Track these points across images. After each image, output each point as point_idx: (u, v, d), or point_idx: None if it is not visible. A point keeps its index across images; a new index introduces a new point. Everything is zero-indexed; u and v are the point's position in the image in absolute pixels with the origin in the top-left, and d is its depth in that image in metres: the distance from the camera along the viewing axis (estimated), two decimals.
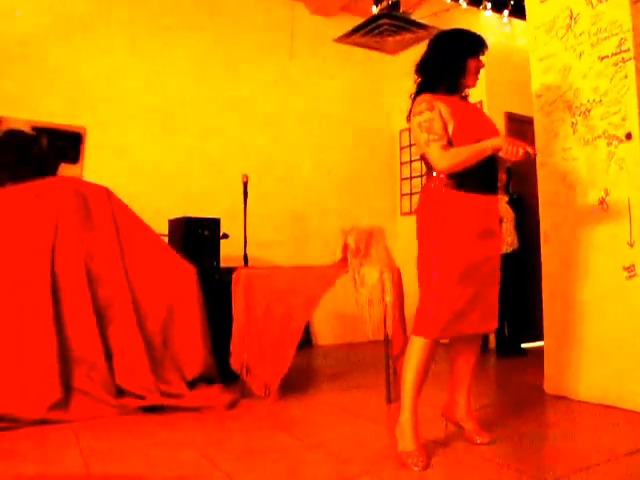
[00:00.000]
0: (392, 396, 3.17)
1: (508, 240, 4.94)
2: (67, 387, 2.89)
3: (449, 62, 2.33)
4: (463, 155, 2.20)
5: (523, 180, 5.27)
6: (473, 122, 2.34)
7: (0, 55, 4.64)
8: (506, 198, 5.06)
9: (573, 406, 3.08)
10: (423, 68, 2.41)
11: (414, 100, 2.35)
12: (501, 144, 2.18)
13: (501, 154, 2.20)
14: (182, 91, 5.38)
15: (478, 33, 2.40)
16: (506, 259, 4.83)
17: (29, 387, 2.77)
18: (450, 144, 2.23)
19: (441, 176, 2.27)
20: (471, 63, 2.35)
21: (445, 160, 2.21)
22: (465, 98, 2.48)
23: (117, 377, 3.03)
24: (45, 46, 4.84)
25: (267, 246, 5.24)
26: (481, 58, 2.40)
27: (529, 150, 2.15)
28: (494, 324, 2.44)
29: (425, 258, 2.31)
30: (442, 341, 2.29)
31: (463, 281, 2.22)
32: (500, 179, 4.96)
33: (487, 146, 2.20)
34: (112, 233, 3.26)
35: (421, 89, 2.38)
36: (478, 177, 2.26)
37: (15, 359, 2.82)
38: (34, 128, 4.78)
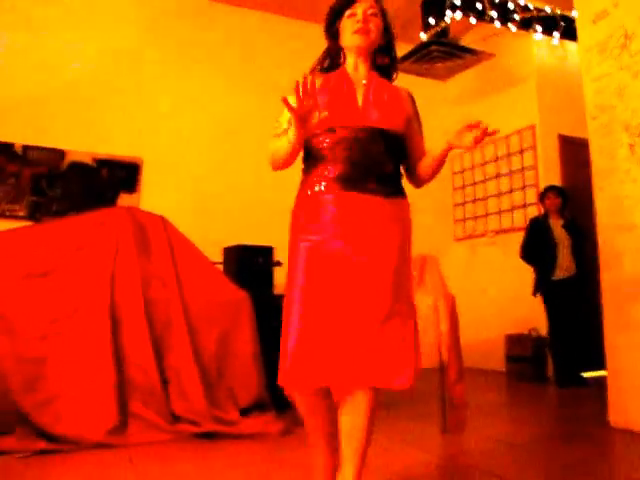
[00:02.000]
0: (447, 426, 3.10)
1: (565, 265, 4.82)
2: (124, 412, 2.95)
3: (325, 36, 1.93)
4: (277, 146, 1.81)
5: (579, 203, 5.14)
6: (324, 107, 1.69)
7: (62, 94, 4.94)
8: (561, 222, 4.94)
9: None
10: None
11: None
12: None
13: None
14: (237, 122, 5.52)
15: None
16: (564, 285, 4.78)
17: (89, 411, 2.85)
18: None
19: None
20: (342, 25, 1.86)
21: (269, 151, 1.86)
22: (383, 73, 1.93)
23: (172, 403, 3.08)
24: (103, 84, 5.12)
25: None
26: (362, 12, 1.82)
27: None
28: (399, 379, 1.68)
29: (288, 274, 1.80)
30: None
31: (317, 305, 1.66)
32: (554, 202, 4.91)
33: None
34: (168, 261, 3.35)
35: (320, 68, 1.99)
36: (337, 173, 1.76)
37: (77, 383, 2.91)
38: (95, 160, 5.01)
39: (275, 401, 3.38)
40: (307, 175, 1.84)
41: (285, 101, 1.55)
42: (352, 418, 1.73)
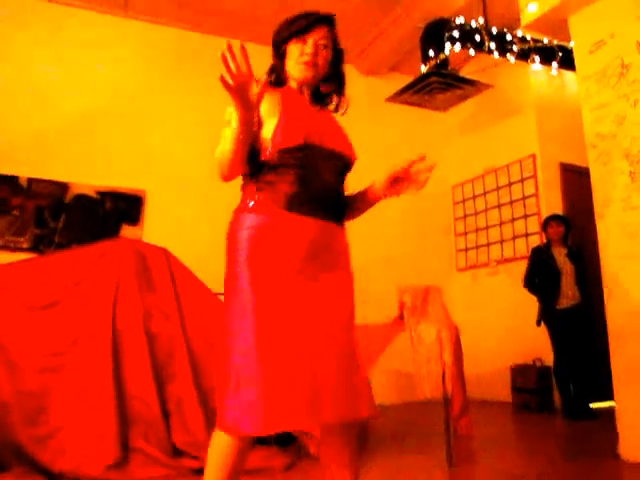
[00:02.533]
0: (453, 459, 3.04)
1: (569, 294, 4.79)
2: (125, 446, 2.91)
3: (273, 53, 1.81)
4: (222, 139, 1.60)
5: (582, 231, 5.14)
6: (306, 124, 1.66)
7: (65, 128, 5.01)
8: (565, 250, 4.93)
9: None
10: None
11: None
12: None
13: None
14: None
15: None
16: (569, 314, 4.75)
17: (90, 445, 2.81)
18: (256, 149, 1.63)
19: (249, 192, 1.67)
20: (290, 48, 1.75)
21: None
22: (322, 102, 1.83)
23: (174, 435, 3.04)
24: (106, 118, 5.19)
25: None
26: (314, 45, 1.72)
27: None
28: (370, 407, 1.61)
29: (230, 305, 1.59)
30: None
31: (288, 340, 1.51)
32: (557, 231, 4.91)
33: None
34: (170, 293, 3.34)
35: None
36: (307, 192, 1.63)
37: (77, 417, 2.88)
38: (98, 192, 5.04)
39: (278, 434, 3.34)
40: (261, 191, 1.63)
41: (221, 79, 1.38)
42: (345, 451, 1.65)
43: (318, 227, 1.63)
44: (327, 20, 1.77)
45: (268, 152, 1.61)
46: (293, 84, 1.77)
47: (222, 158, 1.58)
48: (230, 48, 1.35)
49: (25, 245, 4.77)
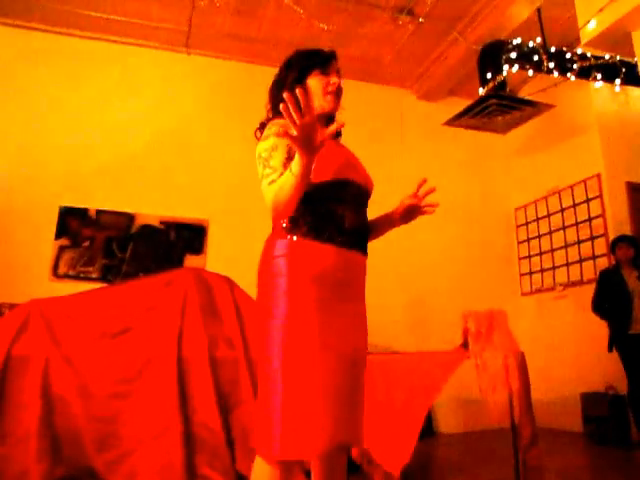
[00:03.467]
0: None
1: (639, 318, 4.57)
2: (191, 472, 2.95)
3: (286, 83, 1.79)
4: (281, 182, 1.54)
5: None
6: (337, 158, 1.70)
7: (131, 162, 5.25)
8: (636, 273, 4.73)
9: None
10: (271, 91, 1.90)
11: (267, 122, 1.77)
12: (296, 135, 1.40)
13: (297, 143, 1.42)
14: None
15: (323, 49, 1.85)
16: (639, 341, 4.53)
17: (158, 470, 2.87)
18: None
19: (284, 225, 1.66)
20: (313, 81, 1.77)
21: (271, 194, 1.57)
22: (336, 135, 1.87)
23: (238, 463, 3.06)
24: (170, 151, 5.42)
25: (384, 332, 5.20)
26: (335, 75, 1.79)
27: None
28: (361, 438, 1.72)
29: (269, 338, 1.57)
30: None
31: (330, 369, 1.54)
32: (626, 253, 4.72)
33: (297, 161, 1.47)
34: (234, 320, 3.40)
35: (274, 114, 1.81)
36: (339, 225, 1.65)
37: (145, 442, 2.95)
38: (162, 222, 5.21)
39: None
40: (294, 224, 1.64)
41: (285, 133, 1.40)
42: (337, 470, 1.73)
43: (349, 258, 1.66)
44: (335, 55, 1.84)
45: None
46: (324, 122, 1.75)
47: (280, 202, 1.55)
48: (290, 98, 1.33)
49: (95, 275, 4.97)
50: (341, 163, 1.70)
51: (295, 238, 1.62)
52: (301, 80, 1.77)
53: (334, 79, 1.77)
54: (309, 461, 1.76)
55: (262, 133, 1.71)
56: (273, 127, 1.66)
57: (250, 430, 3.12)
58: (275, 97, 1.83)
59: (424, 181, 1.83)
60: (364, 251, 1.73)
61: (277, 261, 1.61)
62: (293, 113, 1.34)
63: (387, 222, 1.92)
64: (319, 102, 1.75)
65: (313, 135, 1.40)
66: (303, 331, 1.53)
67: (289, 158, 1.58)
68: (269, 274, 1.62)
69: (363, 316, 1.73)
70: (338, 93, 1.78)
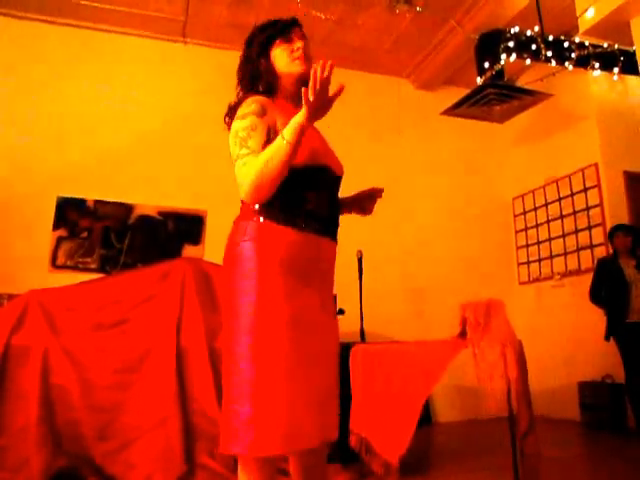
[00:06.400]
0: (520, 478, 2.96)
1: (638, 308, 4.59)
2: (190, 461, 2.97)
3: (252, 60, 1.79)
4: (268, 156, 1.49)
5: None
6: (311, 142, 1.64)
7: (129, 152, 5.23)
8: (633, 262, 4.74)
9: None
10: (239, 71, 1.89)
11: (242, 100, 1.69)
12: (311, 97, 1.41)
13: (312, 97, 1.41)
14: None
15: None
16: (638, 328, 4.54)
17: (157, 459, 2.89)
18: None
19: (256, 207, 1.61)
20: (277, 51, 1.75)
21: (251, 173, 1.51)
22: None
23: None
24: (168, 142, 5.39)
25: (383, 322, 5.21)
26: (299, 40, 1.76)
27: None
28: (336, 432, 1.66)
29: (235, 327, 1.52)
30: None
31: (299, 361, 1.50)
32: (624, 242, 4.73)
33: (299, 121, 1.46)
34: None
35: (244, 93, 1.78)
36: (310, 210, 1.62)
37: (144, 432, 2.97)
38: (160, 213, 5.20)
39: (341, 452, 3.33)
40: (278, 210, 1.60)
41: (263, 112, 1.50)
42: (316, 469, 1.73)
43: (319, 243, 1.64)
44: (298, 22, 1.82)
45: None
46: (291, 89, 1.74)
47: (266, 178, 1.49)
48: (324, 64, 1.37)
49: (93, 266, 4.97)
50: (316, 147, 1.67)
51: (262, 219, 1.58)
52: (265, 53, 1.76)
53: (298, 44, 1.74)
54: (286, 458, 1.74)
55: (232, 117, 1.66)
56: (253, 104, 1.61)
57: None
58: (243, 76, 1.82)
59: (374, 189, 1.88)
60: (334, 237, 1.71)
61: (244, 244, 1.57)
62: (318, 68, 1.37)
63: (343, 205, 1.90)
64: (288, 69, 1.73)
65: (326, 98, 1.43)
66: (271, 316, 1.49)
67: (268, 141, 1.54)
68: (236, 258, 1.57)
69: (331, 302, 1.72)
70: (307, 56, 1.75)
